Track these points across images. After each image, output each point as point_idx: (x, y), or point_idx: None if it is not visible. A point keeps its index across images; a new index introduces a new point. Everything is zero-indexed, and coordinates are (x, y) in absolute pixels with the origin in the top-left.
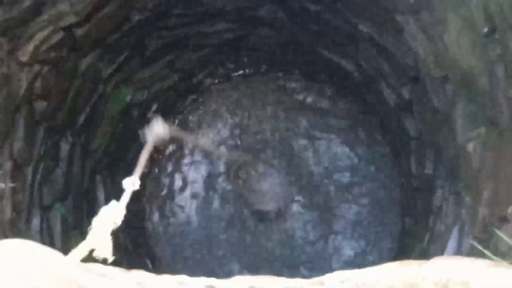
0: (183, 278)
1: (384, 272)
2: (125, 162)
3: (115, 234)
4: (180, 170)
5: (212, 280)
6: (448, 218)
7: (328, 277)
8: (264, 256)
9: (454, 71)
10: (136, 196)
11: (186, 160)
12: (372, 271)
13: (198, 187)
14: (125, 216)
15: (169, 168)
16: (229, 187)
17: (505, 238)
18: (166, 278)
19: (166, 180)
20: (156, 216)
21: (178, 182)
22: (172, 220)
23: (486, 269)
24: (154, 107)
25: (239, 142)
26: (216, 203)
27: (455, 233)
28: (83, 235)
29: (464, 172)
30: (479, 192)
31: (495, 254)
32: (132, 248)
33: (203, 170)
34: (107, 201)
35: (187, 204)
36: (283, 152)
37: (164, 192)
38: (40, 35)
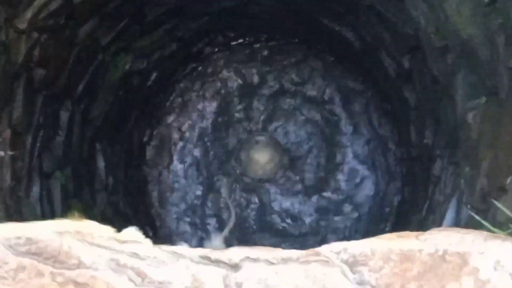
0: (178, 248)
1: (381, 243)
2: (125, 130)
3: (115, 202)
4: (182, 138)
5: (207, 251)
6: (447, 188)
7: (324, 248)
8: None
9: (455, 40)
10: (137, 164)
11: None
12: (368, 242)
13: (199, 155)
14: (126, 183)
15: (172, 136)
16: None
17: (503, 208)
18: (162, 248)
19: (167, 148)
20: (156, 184)
21: (179, 151)
22: (171, 187)
23: (483, 241)
24: (154, 75)
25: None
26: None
27: (453, 203)
28: (83, 202)
29: (464, 142)
30: (478, 162)
31: (493, 225)
32: (133, 215)
33: (204, 139)
34: (106, 169)
35: (187, 174)
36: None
37: (166, 160)
38: (38, 2)
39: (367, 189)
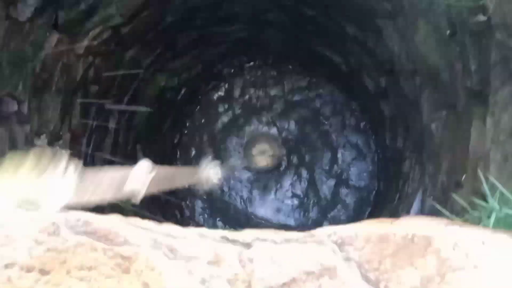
0: (203, 230)
1: (362, 227)
2: (160, 134)
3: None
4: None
5: (226, 232)
6: (414, 183)
7: (318, 231)
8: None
9: (422, 65)
10: (169, 161)
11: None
12: (353, 227)
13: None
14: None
15: (197, 138)
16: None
17: (459, 200)
18: (189, 230)
19: (193, 148)
20: None
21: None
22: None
23: (444, 226)
24: (183, 90)
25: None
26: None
27: (419, 195)
28: None
29: (428, 147)
30: (440, 162)
31: (451, 213)
32: (164, 201)
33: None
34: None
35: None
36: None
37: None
38: (93, 33)
39: (351, 183)
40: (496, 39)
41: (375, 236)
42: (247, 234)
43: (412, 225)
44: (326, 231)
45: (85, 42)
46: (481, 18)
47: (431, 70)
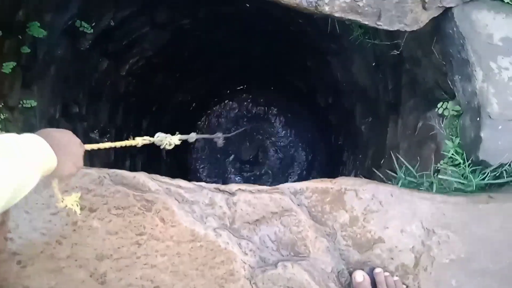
0: (202, 183)
1: (311, 184)
2: (178, 132)
3: (171, 173)
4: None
5: (219, 185)
6: (349, 167)
7: (281, 186)
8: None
9: (356, 87)
10: (184, 151)
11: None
12: (304, 183)
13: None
14: (178, 163)
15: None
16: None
17: (379, 174)
18: (193, 183)
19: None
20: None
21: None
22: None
23: (365, 183)
24: (194, 104)
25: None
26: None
27: (353, 175)
28: (155, 173)
29: (359, 142)
30: (367, 152)
31: None
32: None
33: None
34: (167, 154)
35: (211, 157)
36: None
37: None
38: (133, 60)
39: (307, 171)
40: (405, 68)
41: (319, 189)
42: (232, 186)
43: (344, 183)
44: (286, 185)
45: (126, 67)
46: (395, 52)
47: (362, 90)
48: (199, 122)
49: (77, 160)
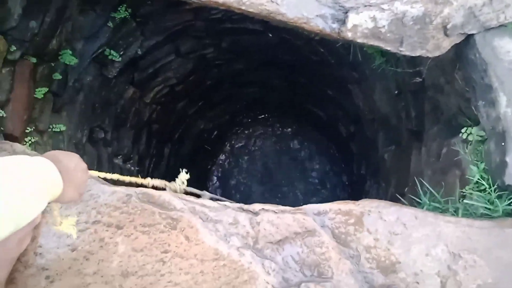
0: (226, 202)
1: (334, 205)
2: (197, 161)
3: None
4: (229, 165)
5: (242, 205)
6: (372, 196)
7: (305, 207)
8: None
9: (378, 115)
10: (204, 180)
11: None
12: (327, 205)
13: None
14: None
15: (223, 165)
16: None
17: (403, 201)
18: (218, 202)
19: (221, 169)
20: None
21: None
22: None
23: (389, 206)
24: (215, 132)
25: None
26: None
27: None
28: None
29: (382, 170)
30: (390, 180)
31: None
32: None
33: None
34: (188, 182)
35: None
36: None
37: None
38: (156, 89)
39: (328, 201)
40: (428, 95)
41: (343, 211)
42: (255, 206)
43: (368, 204)
44: (309, 206)
45: (151, 95)
46: (418, 80)
47: (384, 118)
48: (218, 152)
49: (81, 186)
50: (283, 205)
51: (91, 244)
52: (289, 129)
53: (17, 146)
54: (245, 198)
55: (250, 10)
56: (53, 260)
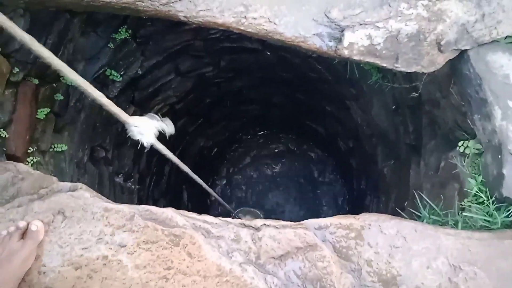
0: (228, 218)
1: (334, 220)
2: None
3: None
4: (231, 182)
5: (244, 221)
6: (373, 211)
7: (306, 222)
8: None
9: (377, 130)
10: (205, 196)
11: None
12: (328, 219)
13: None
14: (197, 206)
15: (224, 181)
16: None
17: (403, 214)
18: (220, 219)
19: (222, 184)
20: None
21: (231, 186)
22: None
23: (389, 219)
24: (215, 149)
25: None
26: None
27: None
28: None
29: (381, 185)
30: (389, 194)
31: None
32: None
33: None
34: (188, 199)
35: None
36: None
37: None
38: (156, 108)
39: (329, 215)
40: (425, 109)
41: (343, 225)
42: (257, 221)
43: (368, 218)
44: (310, 221)
45: (151, 113)
46: (414, 95)
47: (383, 133)
48: (218, 169)
49: None
50: (284, 218)
51: (94, 262)
52: (289, 145)
53: (21, 166)
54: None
55: (249, 30)
56: (56, 279)
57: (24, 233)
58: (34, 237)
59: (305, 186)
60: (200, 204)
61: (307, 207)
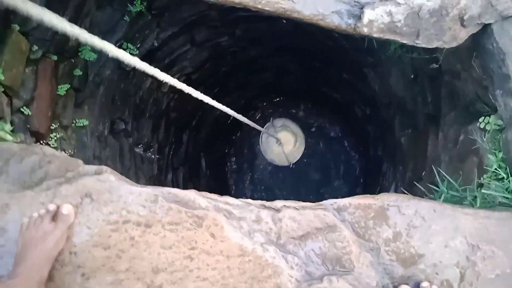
0: (249, 200)
1: (354, 200)
2: (216, 146)
3: (210, 184)
4: (243, 151)
5: (264, 202)
6: (390, 178)
7: (324, 202)
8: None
9: (394, 99)
10: (222, 164)
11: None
12: (347, 199)
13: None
14: (216, 174)
15: (238, 149)
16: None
17: (421, 187)
18: (241, 200)
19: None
20: (232, 173)
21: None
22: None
23: (408, 199)
24: (231, 118)
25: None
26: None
27: (393, 186)
28: (194, 184)
29: (399, 154)
30: (406, 164)
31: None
32: (216, 185)
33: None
34: (207, 167)
35: (243, 167)
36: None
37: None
38: (174, 78)
39: (346, 181)
40: (445, 80)
41: (362, 205)
42: (277, 203)
43: (387, 199)
44: (329, 202)
45: (168, 84)
46: (434, 66)
47: (401, 102)
48: (234, 136)
49: None
50: (301, 191)
51: (122, 243)
52: (305, 111)
53: (47, 149)
54: (262, 181)
55: (266, 8)
56: (87, 258)
57: (54, 215)
58: (65, 219)
59: (321, 151)
60: (217, 171)
61: (325, 173)
